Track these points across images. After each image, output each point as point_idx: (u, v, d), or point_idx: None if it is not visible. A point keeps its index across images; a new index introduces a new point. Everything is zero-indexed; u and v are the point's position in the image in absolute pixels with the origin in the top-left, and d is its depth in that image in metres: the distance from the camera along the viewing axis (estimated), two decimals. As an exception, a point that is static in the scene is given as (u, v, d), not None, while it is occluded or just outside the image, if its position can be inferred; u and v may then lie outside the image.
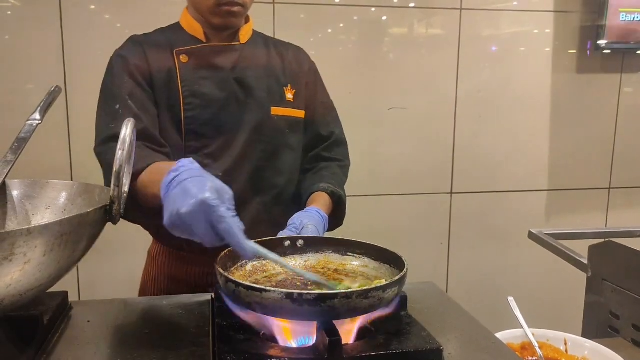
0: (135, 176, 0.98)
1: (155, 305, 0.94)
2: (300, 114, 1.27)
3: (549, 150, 2.40)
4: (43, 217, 0.91)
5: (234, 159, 1.17)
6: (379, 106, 2.20)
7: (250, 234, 0.80)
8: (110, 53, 1.92)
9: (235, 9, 1.14)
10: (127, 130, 0.74)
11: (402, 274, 0.79)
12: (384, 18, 2.18)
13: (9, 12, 1.88)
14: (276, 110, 1.22)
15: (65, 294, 0.89)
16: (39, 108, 0.99)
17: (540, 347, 0.98)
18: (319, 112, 1.31)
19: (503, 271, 2.37)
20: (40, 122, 0.98)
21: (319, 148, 1.31)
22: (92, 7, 1.93)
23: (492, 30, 2.28)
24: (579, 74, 2.38)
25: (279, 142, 1.23)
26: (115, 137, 1.06)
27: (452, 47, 2.24)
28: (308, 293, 0.70)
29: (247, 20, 1.26)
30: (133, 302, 0.95)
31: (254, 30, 1.28)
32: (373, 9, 2.16)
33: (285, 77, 1.26)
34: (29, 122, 0.97)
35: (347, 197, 1.25)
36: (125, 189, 0.76)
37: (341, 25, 2.14)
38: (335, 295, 0.70)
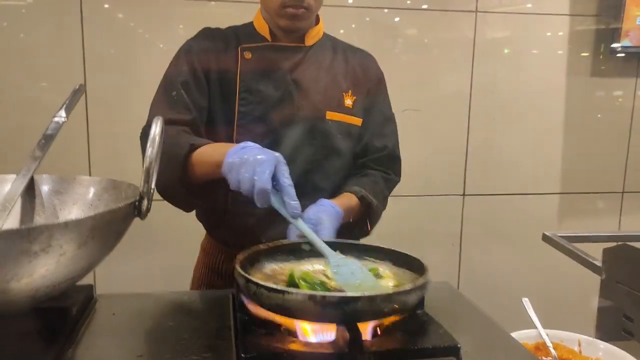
0: (189, 152, 1.05)
1: (178, 299, 0.96)
2: (356, 121, 1.26)
3: (562, 153, 2.40)
4: (70, 212, 0.94)
5: None
6: (393, 108, 2.20)
7: None
8: (128, 53, 1.98)
9: (300, 11, 1.15)
10: (156, 129, 0.76)
11: (425, 277, 0.80)
12: (397, 19, 2.19)
13: (28, 10, 1.92)
14: (331, 115, 1.22)
15: (91, 287, 0.92)
16: (65, 106, 1.01)
17: (554, 348, 0.99)
18: (376, 122, 1.29)
19: (513, 274, 2.37)
20: (65, 119, 1.00)
21: (368, 158, 1.29)
22: (106, 6, 1.96)
23: (507, 33, 2.29)
24: (593, 77, 2.38)
25: (330, 147, 1.23)
26: (167, 122, 1.13)
27: (466, 49, 2.25)
28: (331, 295, 0.71)
29: (317, 22, 1.26)
30: (156, 296, 0.97)
31: (324, 33, 1.29)
32: (386, 11, 2.18)
33: (347, 83, 1.25)
34: (55, 119, 1.00)
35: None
36: (153, 185, 0.78)
37: (353, 26, 2.15)
38: (358, 298, 0.71)
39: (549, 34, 2.33)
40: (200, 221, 1.33)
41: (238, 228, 1.21)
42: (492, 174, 2.35)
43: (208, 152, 1.04)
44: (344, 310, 0.71)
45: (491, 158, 2.34)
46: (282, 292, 0.73)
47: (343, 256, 0.90)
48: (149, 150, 0.74)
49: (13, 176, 0.92)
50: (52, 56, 1.94)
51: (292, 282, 0.85)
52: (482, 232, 2.37)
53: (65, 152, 1.83)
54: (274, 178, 0.89)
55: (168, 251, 2.04)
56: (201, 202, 1.25)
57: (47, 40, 1.93)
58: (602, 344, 0.97)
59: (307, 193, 1.20)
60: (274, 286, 0.75)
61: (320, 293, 0.71)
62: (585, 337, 1.00)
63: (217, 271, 1.31)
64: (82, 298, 0.87)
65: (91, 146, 1.99)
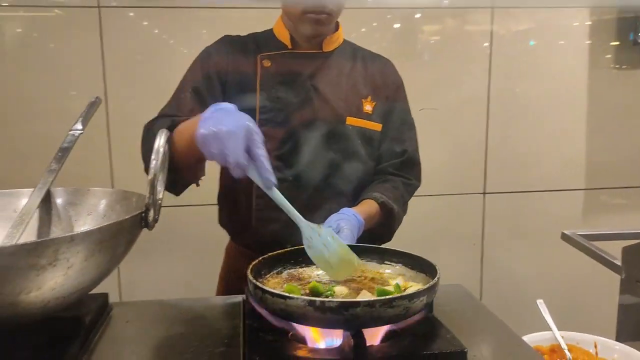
0: (170, 127, 1.01)
1: (190, 306, 0.98)
2: (376, 127, 1.27)
3: (586, 148, 2.35)
4: (85, 222, 0.97)
5: (304, 164, 1.20)
6: (411, 107, 2.19)
7: None
8: (149, 61, 2.01)
9: (322, 16, 1.16)
10: (160, 141, 0.78)
11: (431, 283, 0.79)
12: (418, 16, 2.17)
13: (57, 21, 1.96)
14: (351, 121, 1.23)
15: (105, 296, 0.94)
16: (81, 118, 1.05)
17: (569, 350, 0.97)
18: (395, 127, 1.30)
19: (537, 273, 2.33)
20: (82, 132, 1.04)
21: (388, 163, 1.29)
22: (131, 14, 2.00)
23: (524, 28, 2.25)
24: (616, 69, 2.32)
25: (351, 152, 1.24)
26: (170, 116, 1.12)
27: (484, 46, 2.22)
28: (330, 300, 0.72)
29: (336, 28, 1.28)
30: (169, 304, 0.99)
31: (344, 40, 1.30)
32: (406, 9, 2.16)
33: (366, 89, 1.27)
34: (71, 132, 1.03)
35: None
36: (160, 195, 0.80)
37: (374, 24, 2.15)
38: (357, 304, 0.71)
39: (572, 24, 2.27)
40: (225, 227, 1.35)
41: (263, 234, 1.22)
42: (513, 171, 2.31)
43: (185, 125, 1.01)
44: (344, 316, 0.71)
45: (512, 154, 2.30)
46: (284, 297, 0.74)
47: (316, 225, 0.92)
48: (153, 162, 0.76)
49: (30, 190, 0.96)
50: (80, 66, 1.98)
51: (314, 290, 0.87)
52: (504, 230, 2.33)
53: (87, 164, 1.88)
54: (248, 148, 0.86)
55: (194, 256, 2.07)
56: (224, 207, 1.24)
57: (76, 50, 1.97)
58: (618, 345, 0.94)
59: (329, 197, 1.22)
60: (277, 292, 0.76)
61: (320, 299, 0.72)
62: (602, 338, 0.97)
63: (242, 275, 1.32)
64: (96, 307, 0.89)
65: (113, 157, 2.03)
